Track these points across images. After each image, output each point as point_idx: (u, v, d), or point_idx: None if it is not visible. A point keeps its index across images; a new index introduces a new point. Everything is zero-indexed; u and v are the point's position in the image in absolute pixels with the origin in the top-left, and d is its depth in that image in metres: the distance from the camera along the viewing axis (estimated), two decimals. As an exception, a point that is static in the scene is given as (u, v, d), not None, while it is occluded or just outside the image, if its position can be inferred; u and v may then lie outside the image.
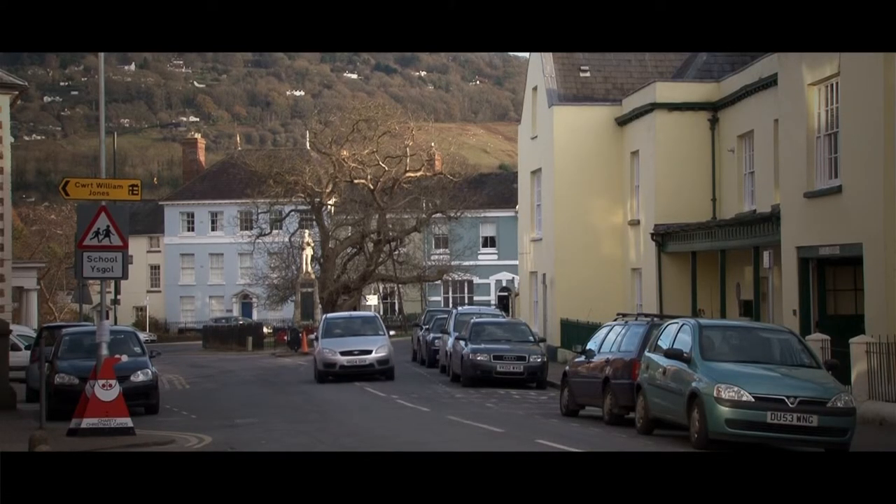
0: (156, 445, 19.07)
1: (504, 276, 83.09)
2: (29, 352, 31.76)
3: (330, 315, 40.05)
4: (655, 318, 23.35)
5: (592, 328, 30.96)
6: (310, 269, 66.50)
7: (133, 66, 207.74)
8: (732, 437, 16.91)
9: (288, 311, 75.93)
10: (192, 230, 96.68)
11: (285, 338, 62.10)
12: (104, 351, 20.45)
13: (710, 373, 17.43)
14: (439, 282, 78.64)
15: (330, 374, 34.56)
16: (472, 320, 34.97)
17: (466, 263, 76.00)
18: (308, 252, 66.84)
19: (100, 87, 22.46)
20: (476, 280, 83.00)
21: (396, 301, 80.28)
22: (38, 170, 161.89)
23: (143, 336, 40.40)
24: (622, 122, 40.91)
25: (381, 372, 34.55)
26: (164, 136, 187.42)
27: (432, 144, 72.46)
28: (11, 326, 31.35)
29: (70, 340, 26.70)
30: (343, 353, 34.45)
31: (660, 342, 19.77)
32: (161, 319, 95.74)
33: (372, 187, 67.73)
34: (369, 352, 34.63)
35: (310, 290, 64.99)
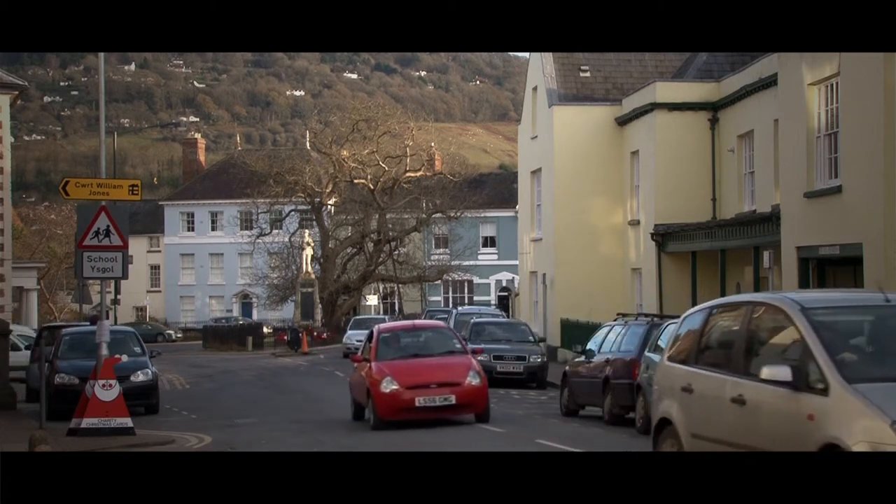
0: (156, 445, 19.07)
1: (504, 276, 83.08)
2: (29, 352, 31.76)
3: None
4: (655, 318, 23.34)
5: (592, 328, 30.96)
6: (310, 269, 66.55)
7: (133, 66, 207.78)
8: (732, 437, 16.88)
9: (288, 311, 75.95)
10: (192, 230, 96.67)
11: (285, 338, 62.11)
12: (104, 351, 20.46)
13: (710, 373, 17.41)
14: (439, 282, 78.64)
15: None
16: (471, 320, 34.94)
17: (466, 263, 76.03)
18: (308, 252, 66.90)
19: (100, 87, 22.48)
20: (476, 280, 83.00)
21: (396, 301, 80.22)
22: (38, 170, 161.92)
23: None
24: (622, 121, 40.90)
25: None
26: (164, 136, 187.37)
27: (432, 144, 72.55)
28: (11, 326, 31.33)
29: (70, 340, 26.72)
30: None
31: (660, 342, 19.76)
32: (161, 319, 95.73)
33: (372, 187, 67.77)
34: None
35: (310, 290, 65.01)
